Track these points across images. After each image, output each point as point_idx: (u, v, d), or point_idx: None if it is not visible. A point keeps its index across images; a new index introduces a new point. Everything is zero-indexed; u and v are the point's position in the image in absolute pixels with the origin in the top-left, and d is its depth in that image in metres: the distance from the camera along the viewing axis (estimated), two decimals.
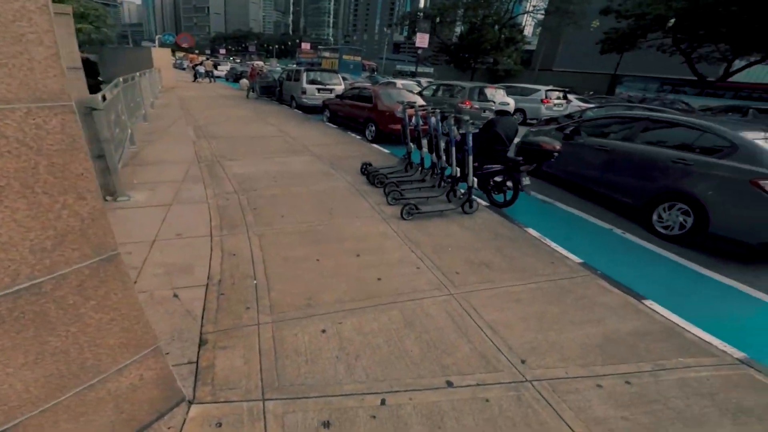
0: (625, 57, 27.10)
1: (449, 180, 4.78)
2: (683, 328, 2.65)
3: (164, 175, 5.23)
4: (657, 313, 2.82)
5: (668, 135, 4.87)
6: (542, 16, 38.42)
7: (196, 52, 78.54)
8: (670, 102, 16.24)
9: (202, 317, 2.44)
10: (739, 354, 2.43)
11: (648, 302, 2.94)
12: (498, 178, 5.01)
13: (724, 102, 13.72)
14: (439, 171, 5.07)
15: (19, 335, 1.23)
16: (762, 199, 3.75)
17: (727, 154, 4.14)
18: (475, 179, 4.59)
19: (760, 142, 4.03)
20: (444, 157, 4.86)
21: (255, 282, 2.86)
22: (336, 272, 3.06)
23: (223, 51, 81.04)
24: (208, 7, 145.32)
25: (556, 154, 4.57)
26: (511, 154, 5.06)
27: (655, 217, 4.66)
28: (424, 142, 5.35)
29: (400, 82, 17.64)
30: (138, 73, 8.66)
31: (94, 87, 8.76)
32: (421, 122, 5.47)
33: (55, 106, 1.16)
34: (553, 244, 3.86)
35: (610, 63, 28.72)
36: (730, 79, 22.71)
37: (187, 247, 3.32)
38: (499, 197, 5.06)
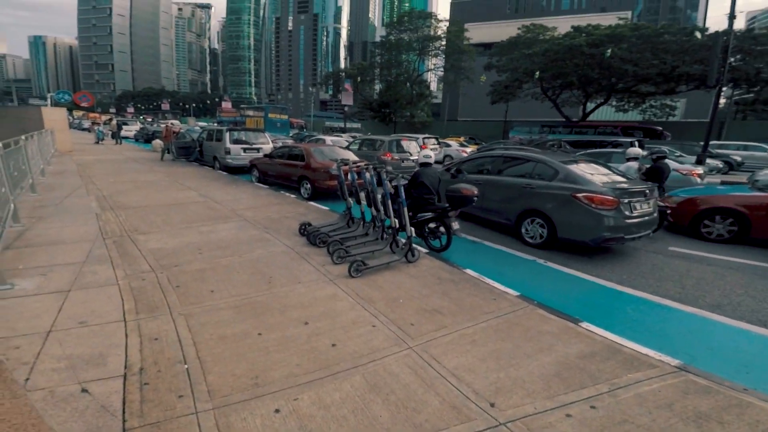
0: (513, 105, 32.25)
1: (390, 231, 4.85)
2: (621, 344, 2.89)
3: (60, 257, 4.43)
4: (595, 333, 3.07)
5: (519, 167, 6.27)
6: (442, 73, 44.39)
7: (99, 110, 72.97)
8: (551, 141, 19.43)
9: (123, 412, 2.04)
10: (675, 362, 2.68)
11: (584, 324, 3.21)
12: (432, 225, 5.29)
13: (589, 137, 17.64)
14: (379, 224, 5.11)
15: None
16: (580, 207, 5.06)
17: (553, 177, 5.50)
18: (412, 228, 4.74)
19: (572, 167, 5.50)
20: (382, 210, 4.97)
21: (186, 367, 2.48)
22: (283, 345, 2.79)
23: (131, 109, 76.20)
24: (113, 64, 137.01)
25: (475, 198, 5.03)
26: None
27: (523, 230, 5.82)
28: (362, 195, 5.42)
29: (329, 139, 18.21)
30: (24, 136, 7.49)
31: None
32: (356, 177, 5.57)
33: None
34: (491, 281, 4.08)
35: (502, 111, 33.80)
36: (589, 119, 28.48)
37: (94, 335, 2.80)
38: (436, 243, 5.30)
